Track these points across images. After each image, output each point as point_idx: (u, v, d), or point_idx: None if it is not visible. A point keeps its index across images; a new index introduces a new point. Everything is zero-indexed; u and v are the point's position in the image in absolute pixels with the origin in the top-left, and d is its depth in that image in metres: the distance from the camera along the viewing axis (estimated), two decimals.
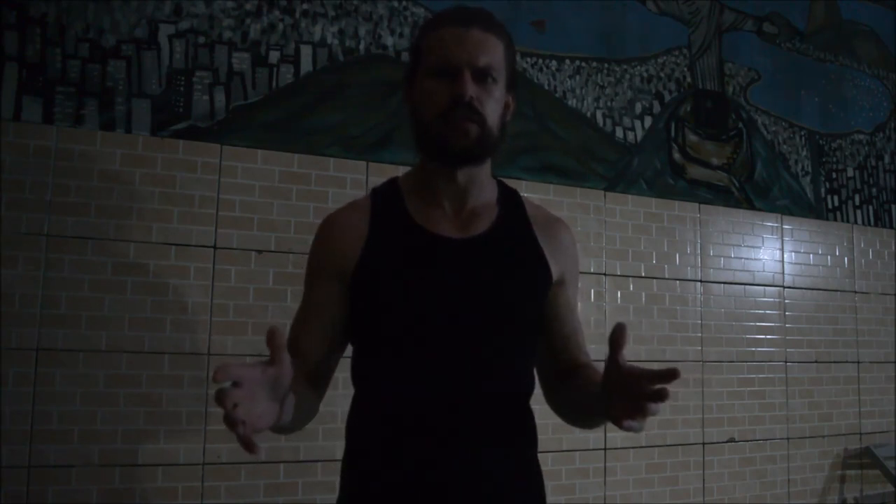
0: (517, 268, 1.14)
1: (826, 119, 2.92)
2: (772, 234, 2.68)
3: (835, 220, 2.86)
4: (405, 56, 2.11)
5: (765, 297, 2.61)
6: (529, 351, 1.19)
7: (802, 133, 2.85)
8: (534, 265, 1.17)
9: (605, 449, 2.23)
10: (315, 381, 1.14)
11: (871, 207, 2.98)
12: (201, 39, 1.89)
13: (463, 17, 1.10)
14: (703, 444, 2.40)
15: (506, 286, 1.12)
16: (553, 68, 2.34)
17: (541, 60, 2.33)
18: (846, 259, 2.84)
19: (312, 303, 1.15)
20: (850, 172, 2.95)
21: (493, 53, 1.09)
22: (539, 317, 1.19)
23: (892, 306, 2.91)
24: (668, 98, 2.55)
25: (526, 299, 1.15)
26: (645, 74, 2.51)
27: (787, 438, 2.58)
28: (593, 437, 2.19)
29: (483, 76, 1.07)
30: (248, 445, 0.76)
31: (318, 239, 1.18)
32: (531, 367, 1.19)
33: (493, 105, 1.09)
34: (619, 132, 2.44)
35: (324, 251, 1.16)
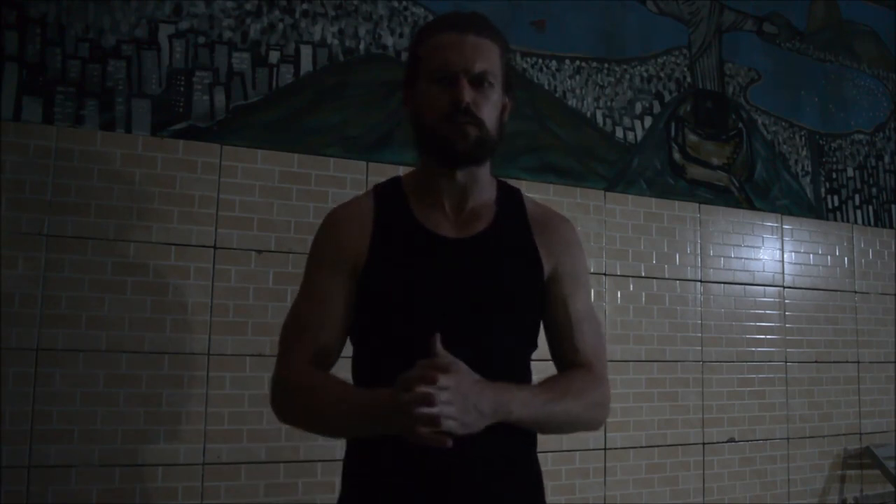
0: (511, 266, 1.16)
1: (826, 119, 2.92)
2: (772, 234, 2.68)
3: (835, 220, 2.86)
4: (405, 56, 2.11)
5: (765, 297, 2.61)
6: (526, 348, 1.20)
7: (802, 133, 2.85)
8: (526, 263, 1.18)
9: (605, 449, 2.23)
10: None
11: (871, 207, 2.97)
12: (201, 39, 1.89)
13: (459, 23, 1.13)
14: (703, 444, 2.40)
15: (500, 285, 1.14)
16: (553, 68, 2.34)
17: (541, 60, 2.33)
18: (846, 259, 2.84)
19: (323, 294, 1.15)
20: (850, 172, 2.95)
21: (488, 58, 1.12)
22: (537, 314, 1.20)
23: (892, 306, 2.91)
24: (668, 98, 2.55)
25: (518, 298, 1.16)
26: (645, 74, 2.51)
27: (787, 438, 2.58)
28: (593, 437, 2.19)
29: (480, 81, 1.11)
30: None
31: (325, 231, 1.20)
32: (528, 363, 1.20)
33: (491, 108, 1.12)
34: (619, 132, 2.44)
35: (334, 243, 1.17)
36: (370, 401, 1.02)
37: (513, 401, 1.03)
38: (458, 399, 0.95)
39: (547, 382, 1.14)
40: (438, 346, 1.00)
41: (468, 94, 1.08)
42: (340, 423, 1.10)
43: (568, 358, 1.21)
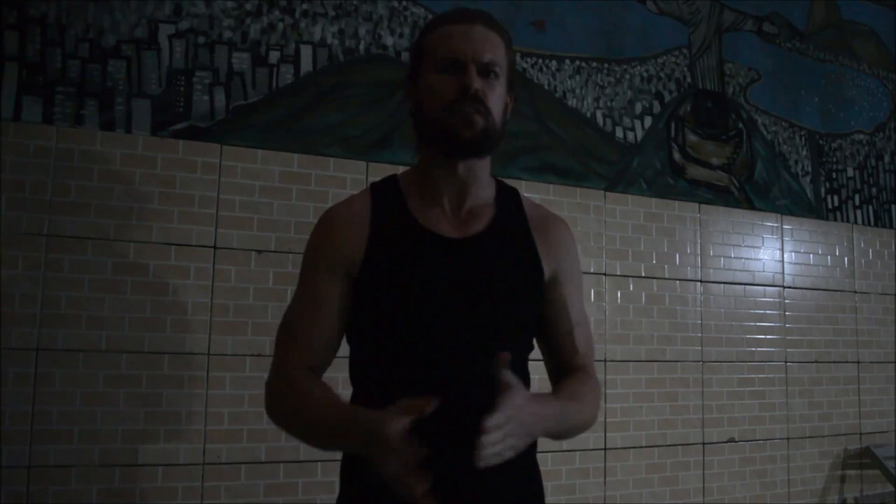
0: (510, 267, 1.15)
1: (826, 119, 2.92)
2: (772, 234, 2.68)
3: (835, 220, 2.86)
4: (405, 56, 2.11)
5: (765, 297, 2.61)
6: (524, 349, 1.20)
7: (802, 133, 2.85)
8: (526, 265, 1.17)
9: (605, 449, 2.23)
10: (319, 375, 1.15)
11: (871, 207, 2.98)
12: (201, 39, 1.89)
13: (466, 16, 1.14)
14: (703, 444, 2.40)
15: (499, 286, 1.13)
16: (553, 68, 2.34)
17: (541, 60, 2.33)
18: (846, 259, 2.84)
19: (319, 295, 1.15)
20: (850, 172, 2.95)
21: (496, 50, 1.12)
22: (535, 316, 1.20)
23: (892, 306, 2.91)
24: (668, 98, 2.55)
25: (518, 299, 1.15)
26: (645, 74, 2.51)
27: (787, 438, 2.58)
28: (593, 437, 2.19)
29: (487, 71, 1.11)
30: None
31: (322, 231, 1.18)
32: (526, 364, 1.19)
33: (497, 100, 1.12)
34: (619, 132, 2.44)
35: (330, 243, 1.15)
36: (351, 419, 1.01)
37: (551, 418, 1.05)
38: (517, 428, 0.95)
39: (564, 392, 1.15)
40: (504, 370, 0.98)
41: (476, 81, 1.08)
42: (320, 435, 1.09)
43: (565, 358, 1.22)
